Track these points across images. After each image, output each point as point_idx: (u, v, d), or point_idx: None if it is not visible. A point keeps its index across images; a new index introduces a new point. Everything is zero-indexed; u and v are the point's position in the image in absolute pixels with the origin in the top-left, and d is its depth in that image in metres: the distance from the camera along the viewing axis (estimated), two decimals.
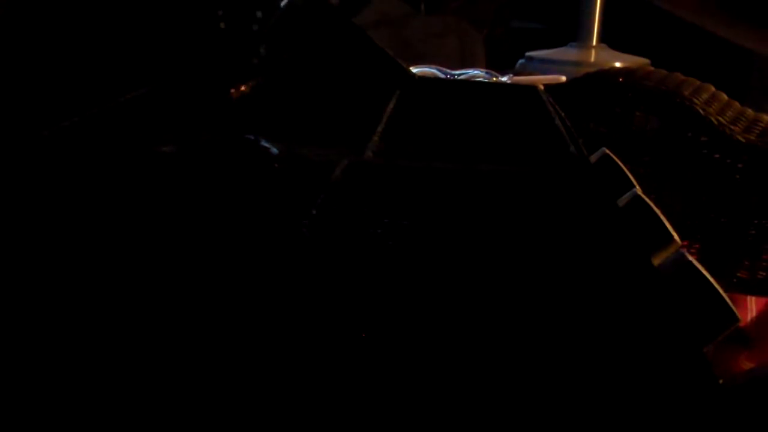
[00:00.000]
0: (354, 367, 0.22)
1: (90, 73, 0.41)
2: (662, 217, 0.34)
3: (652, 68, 0.72)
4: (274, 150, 0.36)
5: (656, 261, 0.31)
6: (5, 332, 0.23)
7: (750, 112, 0.67)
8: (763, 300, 0.68)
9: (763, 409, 0.24)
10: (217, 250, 0.27)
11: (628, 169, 0.41)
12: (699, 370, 0.22)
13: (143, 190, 0.32)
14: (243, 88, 0.47)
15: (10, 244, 0.28)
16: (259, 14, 0.51)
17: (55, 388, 0.21)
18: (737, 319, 0.27)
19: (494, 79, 0.84)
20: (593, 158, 0.42)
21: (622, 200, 0.35)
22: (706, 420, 0.21)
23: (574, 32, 1.31)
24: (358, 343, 0.22)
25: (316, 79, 0.54)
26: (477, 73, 0.85)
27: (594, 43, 1.29)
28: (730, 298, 0.28)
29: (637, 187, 0.38)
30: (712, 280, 0.28)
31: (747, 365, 0.64)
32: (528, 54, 1.26)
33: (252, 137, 0.37)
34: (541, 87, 0.60)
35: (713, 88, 0.69)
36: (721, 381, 0.22)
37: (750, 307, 0.68)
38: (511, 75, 0.88)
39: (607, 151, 0.43)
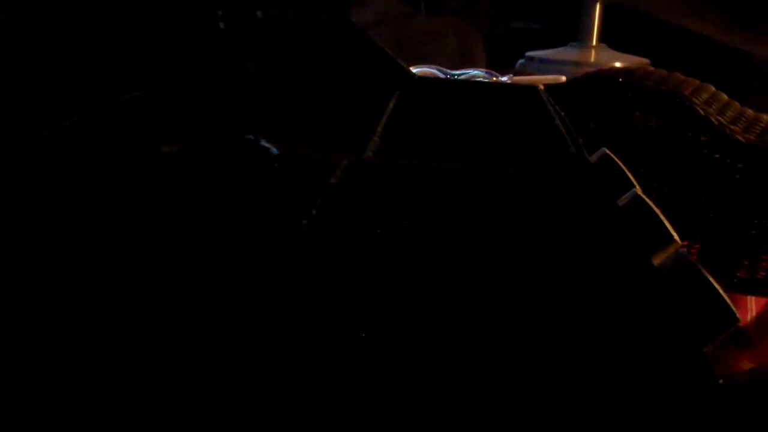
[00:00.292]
0: (354, 367, 0.22)
1: (90, 73, 0.41)
2: (662, 217, 0.34)
3: (652, 68, 0.72)
4: (274, 150, 0.36)
5: (656, 261, 0.31)
6: (5, 332, 0.23)
7: (750, 112, 0.67)
8: (763, 300, 0.68)
9: (764, 409, 0.24)
10: (217, 250, 0.27)
11: (628, 169, 0.41)
12: (699, 370, 0.22)
13: (143, 190, 0.32)
14: (242, 88, 0.47)
15: (11, 244, 0.28)
16: (259, 14, 0.51)
17: (55, 388, 0.21)
18: (737, 319, 0.27)
19: (494, 79, 0.84)
20: (593, 158, 0.42)
21: (622, 200, 0.35)
22: (706, 420, 0.21)
23: (574, 32, 1.31)
24: (358, 343, 0.22)
25: (317, 79, 0.54)
26: (477, 73, 0.86)
27: (594, 43, 1.29)
28: (730, 298, 0.28)
29: (637, 187, 0.38)
30: (712, 280, 0.28)
31: (747, 365, 0.64)
32: (528, 54, 1.26)
33: (252, 137, 0.37)
34: (541, 87, 0.60)
35: (713, 88, 0.69)
36: (721, 381, 0.22)
37: (750, 307, 0.68)
38: (511, 75, 0.88)
39: (607, 151, 0.43)
